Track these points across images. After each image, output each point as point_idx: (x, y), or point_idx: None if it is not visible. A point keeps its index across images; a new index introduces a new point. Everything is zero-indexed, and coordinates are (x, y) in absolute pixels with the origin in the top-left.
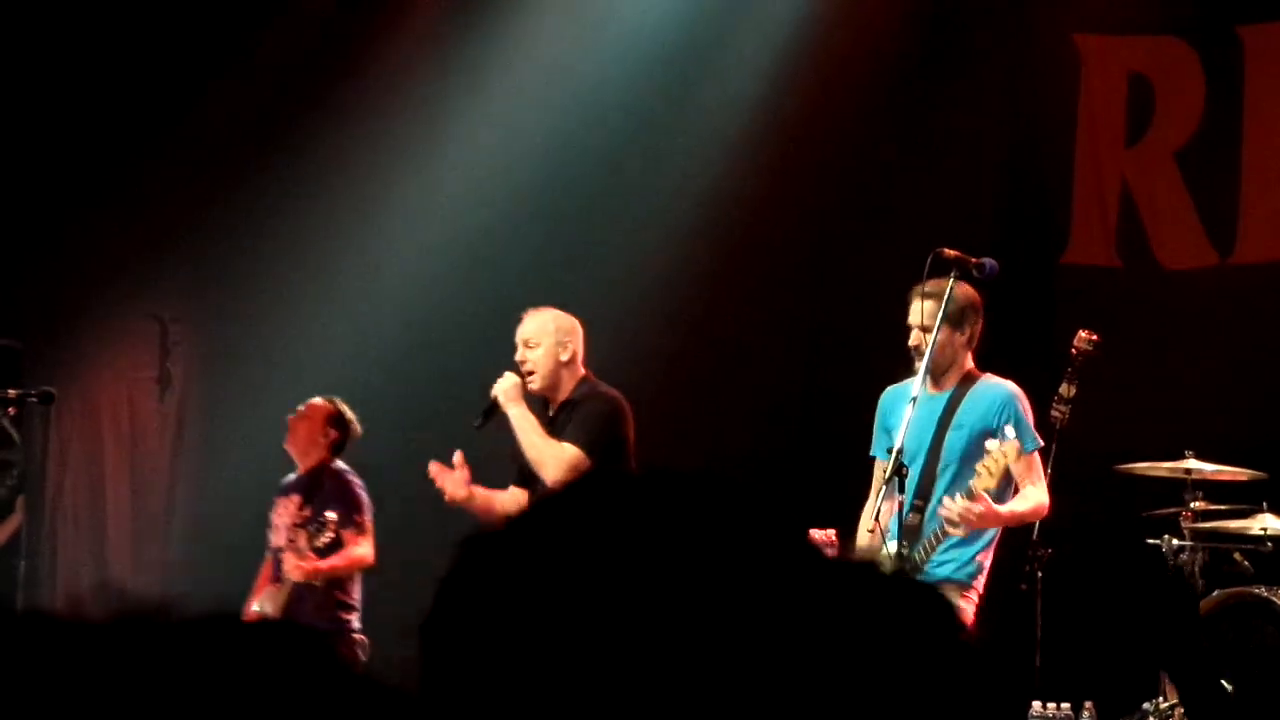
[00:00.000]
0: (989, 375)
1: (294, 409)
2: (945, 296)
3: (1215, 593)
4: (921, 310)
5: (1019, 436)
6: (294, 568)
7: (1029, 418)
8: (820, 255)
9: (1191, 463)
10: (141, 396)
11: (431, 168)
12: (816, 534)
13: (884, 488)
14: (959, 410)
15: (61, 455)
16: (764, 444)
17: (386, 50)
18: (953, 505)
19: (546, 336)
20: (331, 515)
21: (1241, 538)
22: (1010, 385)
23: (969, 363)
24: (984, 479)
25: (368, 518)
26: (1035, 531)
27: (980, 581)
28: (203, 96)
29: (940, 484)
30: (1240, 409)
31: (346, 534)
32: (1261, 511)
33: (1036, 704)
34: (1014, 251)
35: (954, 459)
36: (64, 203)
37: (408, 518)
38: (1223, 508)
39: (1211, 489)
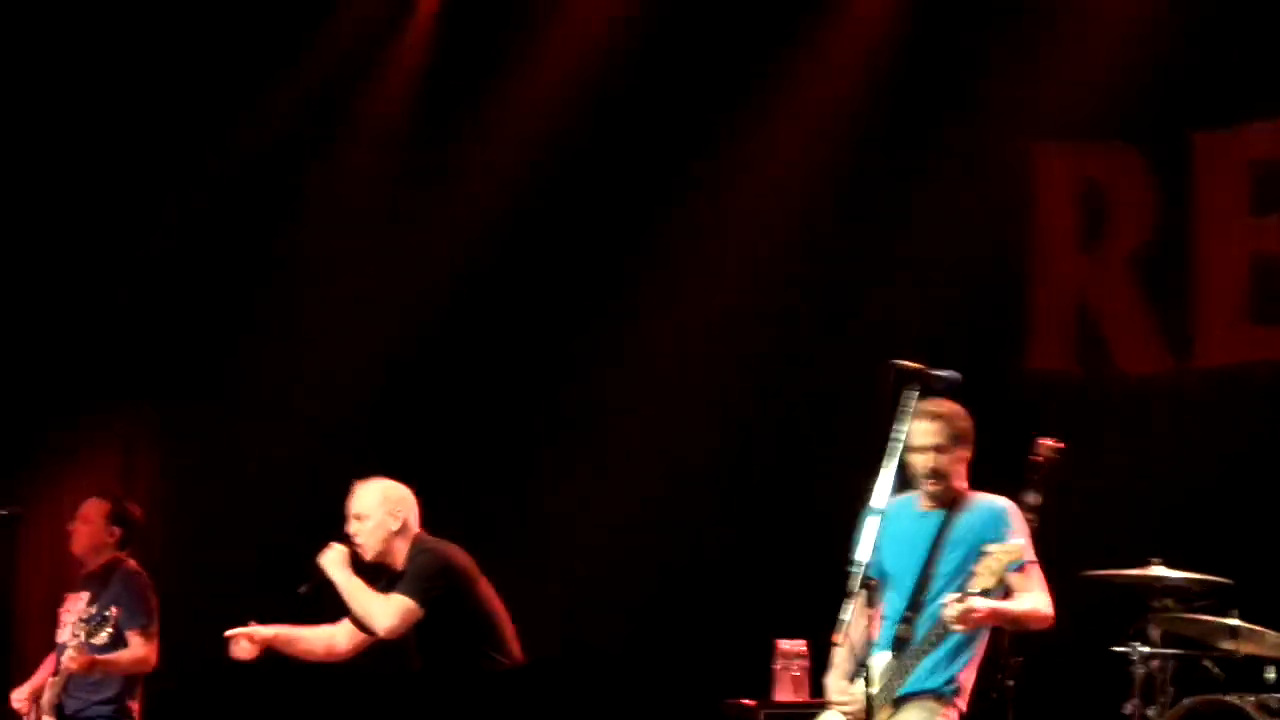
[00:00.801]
0: (980, 493)
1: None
2: (949, 416)
3: (1185, 700)
4: (934, 431)
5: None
6: (70, 659)
7: (1025, 532)
8: (777, 363)
9: (1158, 569)
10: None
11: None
12: (786, 644)
13: (851, 602)
14: (954, 529)
15: (31, 572)
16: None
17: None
18: (954, 605)
19: (376, 510)
20: (112, 612)
21: (1210, 645)
22: (1005, 501)
23: (963, 482)
24: (982, 579)
25: (154, 622)
26: (1006, 639)
27: (962, 700)
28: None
29: (931, 598)
30: (1204, 512)
31: (130, 634)
32: (1231, 617)
33: None
34: (972, 360)
35: (948, 575)
36: (36, 331)
37: None
38: (1191, 616)
39: (1179, 594)
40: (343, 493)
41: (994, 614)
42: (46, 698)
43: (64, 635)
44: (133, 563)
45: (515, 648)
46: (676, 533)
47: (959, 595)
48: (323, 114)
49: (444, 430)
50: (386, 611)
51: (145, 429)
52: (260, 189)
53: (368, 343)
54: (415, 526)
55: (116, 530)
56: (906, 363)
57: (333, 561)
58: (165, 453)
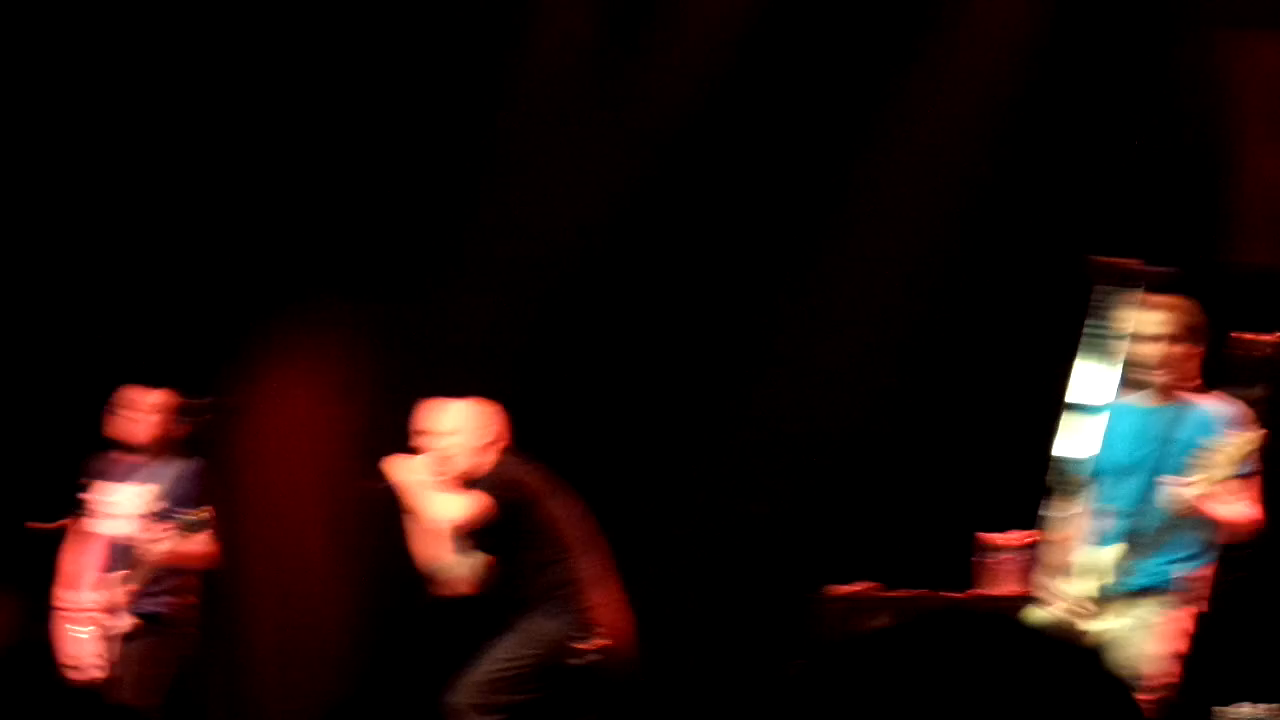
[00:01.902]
0: (1209, 392)
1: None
2: (1183, 308)
3: None
4: (1169, 321)
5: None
6: (162, 552)
7: (1257, 438)
8: (984, 254)
9: None
10: (328, 404)
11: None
12: (997, 537)
13: (1071, 500)
14: (1181, 425)
15: (252, 464)
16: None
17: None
18: (1179, 489)
19: (466, 424)
20: (208, 513)
21: None
22: (1234, 403)
23: (1195, 379)
24: (1216, 469)
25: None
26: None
27: (1199, 599)
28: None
29: (1158, 496)
30: None
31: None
32: None
33: (1246, 705)
34: (1173, 254)
35: (1178, 470)
36: (257, 220)
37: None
38: None
39: None
40: (543, 387)
41: (1206, 507)
42: (123, 595)
43: (125, 529)
44: (199, 458)
45: (599, 564)
46: (884, 426)
47: (1185, 481)
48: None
49: (635, 339)
50: (460, 501)
51: (361, 322)
52: (462, 91)
53: (566, 243)
54: (504, 441)
55: (185, 426)
56: (1122, 260)
57: (409, 466)
58: (388, 340)
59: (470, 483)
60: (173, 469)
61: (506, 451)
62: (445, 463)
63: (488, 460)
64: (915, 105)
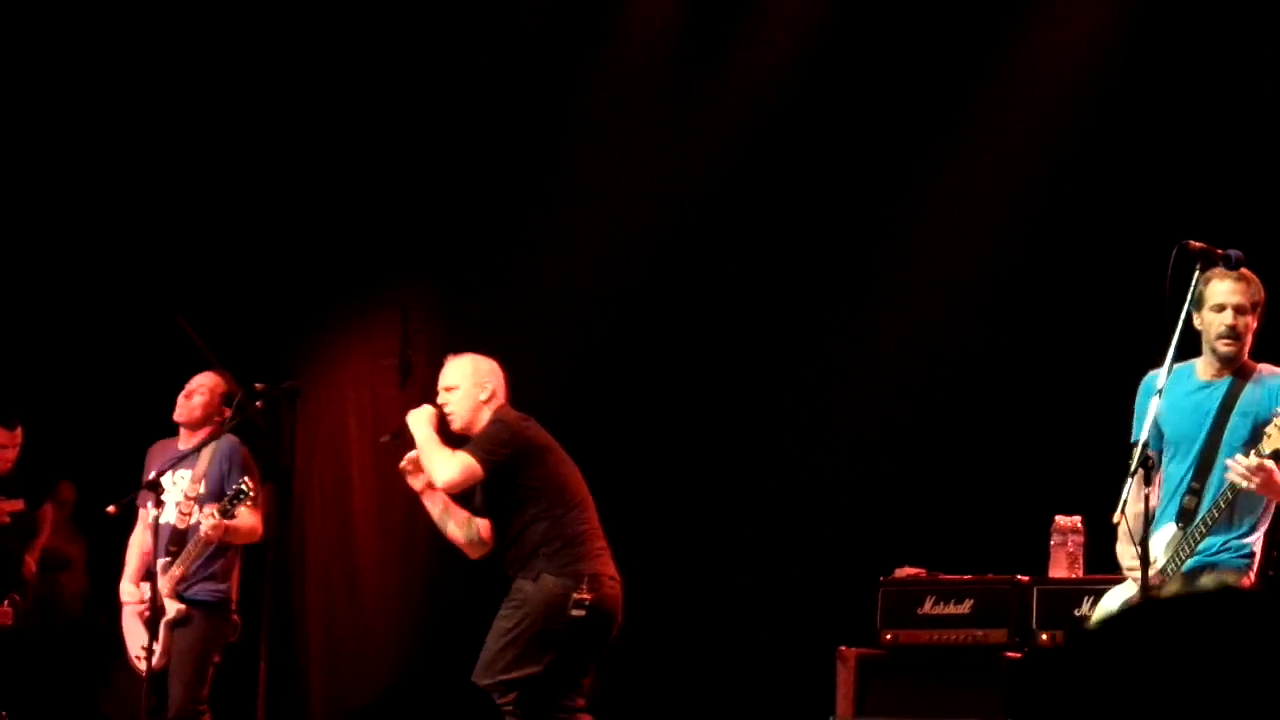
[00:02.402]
0: (1267, 365)
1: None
2: (1255, 281)
3: None
4: (1241, 291)
5: None
6: (212, 529)
7: None
8: (1056, 235)
9: None
10: (384, 384)
11: (661, 160)
12: (1062, 519)
13: (1130, 478)
14: (1242, 398)
15: (309, 446)
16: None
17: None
18: (1241, 461)
19: (464, 380)
20: (247, 483)
21: None
22: None
23: (1247, 353)
24: (1275, 439)
25: (260, 494)
26: None
27: (1254, 566)
28: (434, 99)
29: (1219, 469)
30: None
31: (241, 506)
32: None
33: None
34: (1256, 238)
35: (1236, 445)
36: (314, 199)
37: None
38: None
39: None
40: (610, 373)
41: (1275, 483)
42: (170, 581)
43: (169, 516)
44: (231, 436)
45: (593, 519)
46: (952, 409)
47: (1253, 453)
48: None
49: (701, 325)
50: (448, 466)
51: (424, 303)
52: (539, 71)
53: (637, 231)
54: (502, 397)
55: (226, 410)
56: (1193, 242)
57: (418, 418)
58: (443, 327)
59: (461, 440)
60: (212, 451)
61: (502, 408)
62: (447, 418)
63: (484, 417)
64: (996, 95)
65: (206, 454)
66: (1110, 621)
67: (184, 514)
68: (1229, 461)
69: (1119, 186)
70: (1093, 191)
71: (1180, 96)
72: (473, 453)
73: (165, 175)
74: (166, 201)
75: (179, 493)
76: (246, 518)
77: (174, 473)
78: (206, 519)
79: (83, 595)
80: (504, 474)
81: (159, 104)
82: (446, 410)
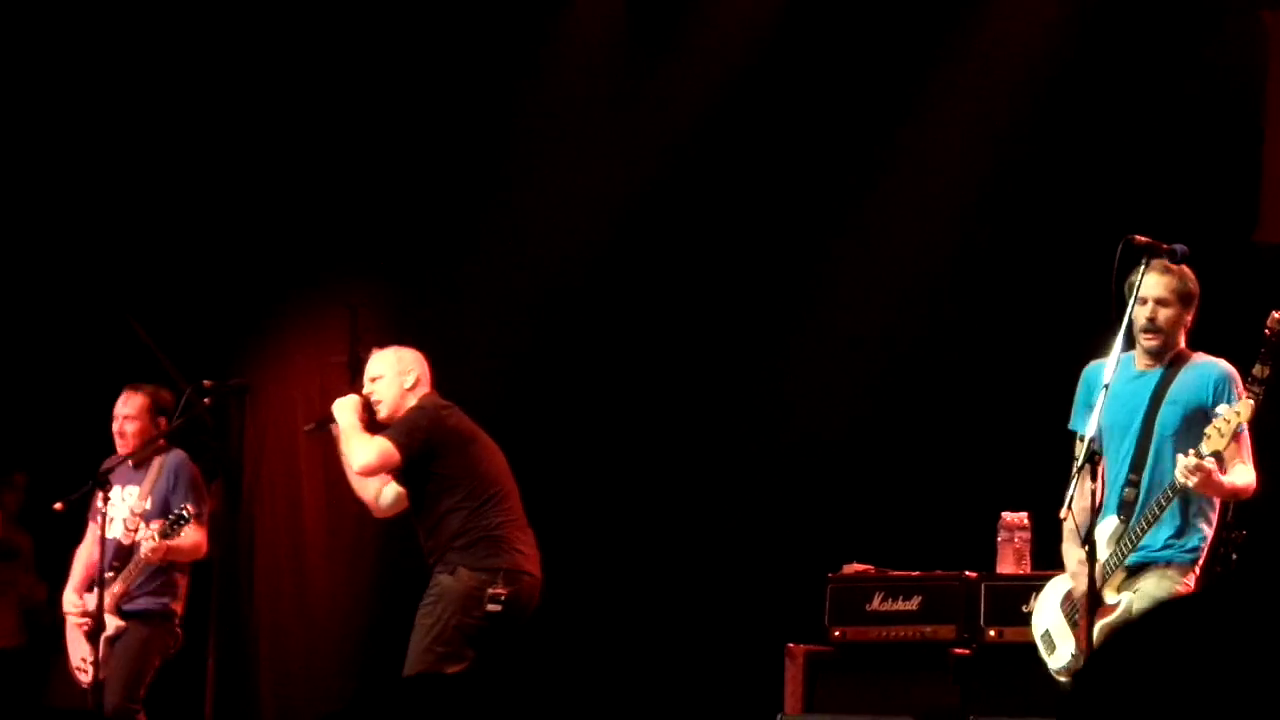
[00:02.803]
0: (1200, 353)
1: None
2: (1181, 274)
3: None
4: (1163, 285)
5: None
6: (151, 550)
7: (1245, 395)
8: (1001, 237)
9: None
10: (334, 382)
11: (609, 157)
12: (1009, 516)
13: (1076, 474)
14: (1173, 386)
15: (259, 442)
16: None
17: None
18: (1187, 460)
19: (389, 369)
20: (188, 509)
21: None
22: (1224, 363)
23: (1183, 343)
24: (1214, 440)
25: (206, 510)
26: (1230, 513)
27: (1198, 563)
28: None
29: (1153, 459)
30: None
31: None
32: None
33: None
34: (1201, 233)
35: (1168, 434)
36: (262, 198)
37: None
38: None
39: None
40: (559, 372)
41: (1215, 483)
42: (110, 597)
43: (116, 531)
44: (179, 451)
45: (515, 510)
46: (898, 406)
47: (1193, 453)
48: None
49: (649, 324)
50: (366, 450)
51: (373, 301)
52: (486, 73)
53: (586, 229)
54: (426, 386)
55: (162, 420)
56: (1139, 237)
57: (342, 406)
58: (392, 325)
59: (381, 428)
60: (159, 466)
61: (426, 396)
62: (372, 406)
63: (408, 404)
64: (946, 82)
65: (154, 469)
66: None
67: (130, 530)
68: (1179, 461)
69: (1065, 182)
70: (1039, 188)
71: (1129, 90)
72: (391, 438)
73: (116, 172)
74: (117, 198)
75: (125, 509)
76: (190, 535)
77: (123, 488)
78: (147, 540)
79: (32, 587)
80: (421, 461)
81: (109, 103)
82: (373, 400)
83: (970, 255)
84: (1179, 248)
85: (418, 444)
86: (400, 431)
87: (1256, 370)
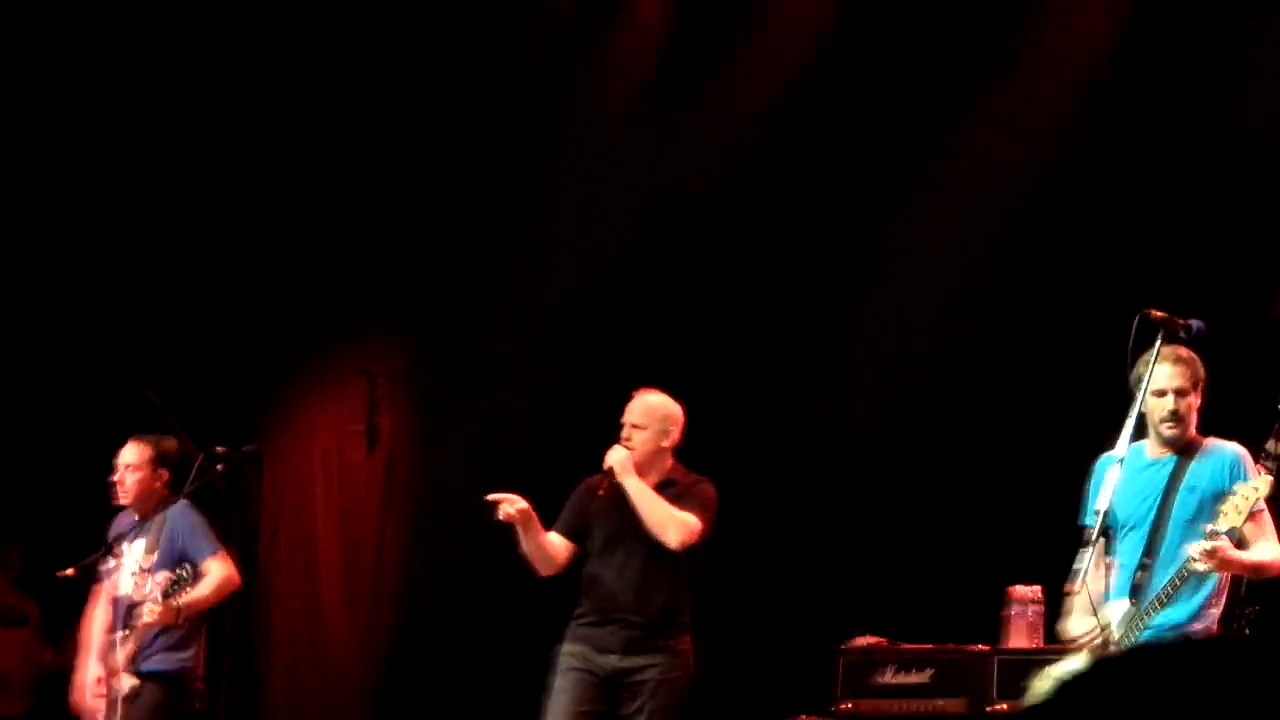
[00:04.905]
0: (1212, 439)
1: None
2: (1192, 361)
3: None
4: (1181, 375)
5: None
6: (151, 614)
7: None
8: (1019, 308)
9: None
10: (351, 450)
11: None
12: (1020, 589)
13: (1090, 550)
14: (1189, 473)
15: (275, 510)
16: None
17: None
18: (1196, 544)
19: (654, 422)
20: (188, 571)
21: None
22: (1238, 447)
23: (1194, 427)
24: (1230, 517)
25: (220, 544)
26: (1242, 588)
27: (1208, 632)
28: (408, 164)
29: (1168, 544)
30: None
31: (204, 564)
32: None
33: None
34: (1220, 308)
35: (1185, 521)
36: (279, 264)
37: None
38: None
39: None
40: (560, 439)
41: (1235, 560)
42: (123, 658)
43: (125, 588)
44: (181, 501)
45: None
46: (912, 477)
47: (1209, 532)
48: (575, 51)
49: (679, 369)
50: (684, 527)
51: (391, 362)
52: (511, 121)
53: (610, 279)
54: (677, 442)
55: (164, 473)
56: (1155, 311)
57: (623, 465)
58: (409, 392)
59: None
60: (162, 519)
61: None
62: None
63: (660, 462)
64: (963, 157)
65: (157, 522)
66: (1067, 686)
67: (139, 585)
68: (1189, 546)
69: (1082, 254)
70: (1056, 259)
71: (1149, 162)
72: (699, 515)
73: (131, 237)
74: (132, 265)
75: (134, 563)
76: (213, 576)
77: (130, 544)
78: (149, 604)
79: (40, 652)
80: (708, 535)
81: (130, 167)
82: (628, 446)
83: (984, 328)
84: (1195, 323)
85: (712, 521)
86: (707, 507)
87: (1270, 445)
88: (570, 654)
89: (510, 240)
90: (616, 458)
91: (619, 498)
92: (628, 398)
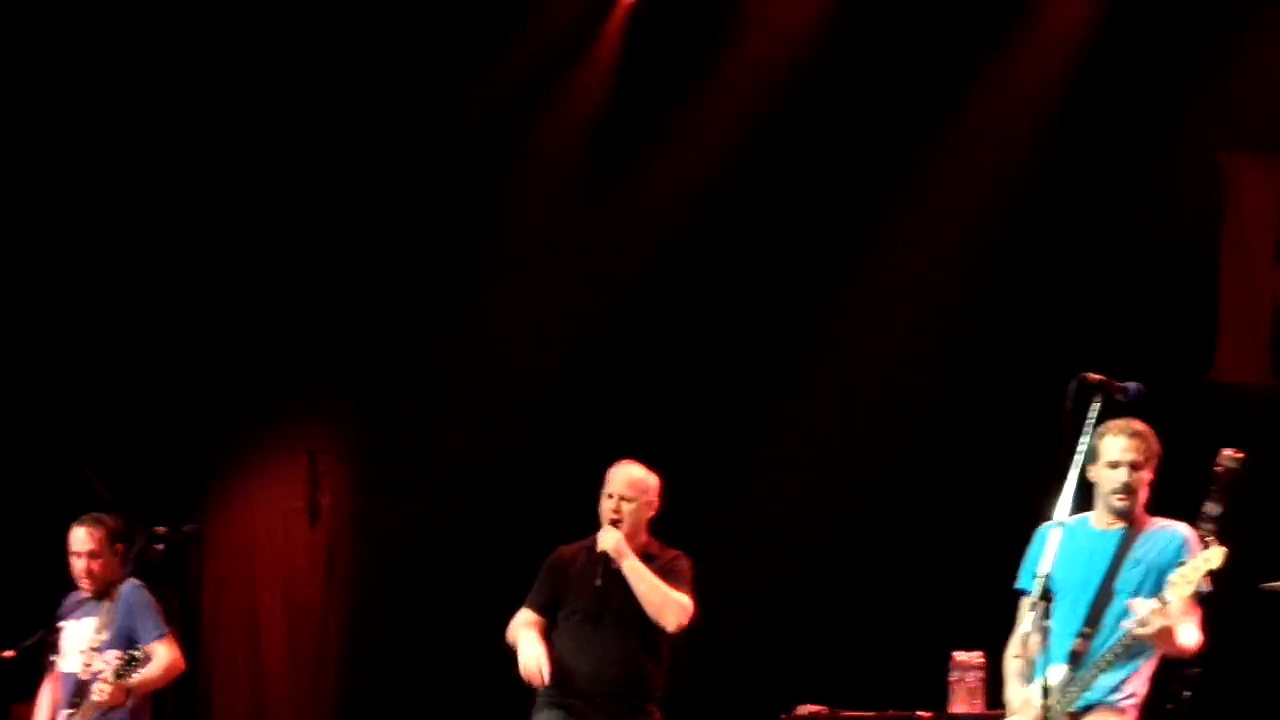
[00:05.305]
0: (1160, 518)
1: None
2: (1147, 435)
3: None
4: (1135, 448)
5: None
6: (102, 694)
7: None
8: (961, 375)
9: None
10: (294, 527)
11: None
12: (961, 655)
13: (1029, 614)
14: (1136, 546)
15: (216, 587)
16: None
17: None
18: (1142, 605)
19: (642, 494)
20: (141, 652)
21: None
22: (1186, 527)
23: (1143, 504)
24: (1179, 587)
25: (168, 627)
26: None
27: (1135, 706)
28: (352, 243)
29: (1111, 615)
30: None
31: (150, 646)
32: None
33: None
34: (1157, 371)
35: (1128, 593)
36: (221, 343)
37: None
38: None
39: None
40: (528, 493)
41: (1169, 633)
42: None
43: (71, 664)
44: (132, 579)
45: None
46: (851, 544)
47: (1156, 599)
48: (514, 119)
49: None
50: (683, 610)
51: (331, 440)
52: (449, 191)
53: (559, 344)
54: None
55: (119, 547)
56: (1092, 374)
57: (619, 548)
58: (350, 470)
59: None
60: (111, 599)
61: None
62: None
63: (640, 536)
64: (911, 220)
65: (109, 601)
66: None
67: (86, 664)
68: (1132, 606)
69: (1020, 319)
70: (993, 323)
71: (1086, 228)
72: (690, 595)
73: (70, 314)
74: (71, 341)
75: (83, 641)
76: (159, 660)
77: (77, 621)
78: (101, 683)
79: None
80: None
81: (60, 247)
82: (612, 519)
83: (920, 396)
84: (1132, 386)
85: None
86: (689, 585)
87: (1208, 508)
88: None
89: (450, 317)
90: (611, 541)
91: (609, 575)
92: (574, 468)
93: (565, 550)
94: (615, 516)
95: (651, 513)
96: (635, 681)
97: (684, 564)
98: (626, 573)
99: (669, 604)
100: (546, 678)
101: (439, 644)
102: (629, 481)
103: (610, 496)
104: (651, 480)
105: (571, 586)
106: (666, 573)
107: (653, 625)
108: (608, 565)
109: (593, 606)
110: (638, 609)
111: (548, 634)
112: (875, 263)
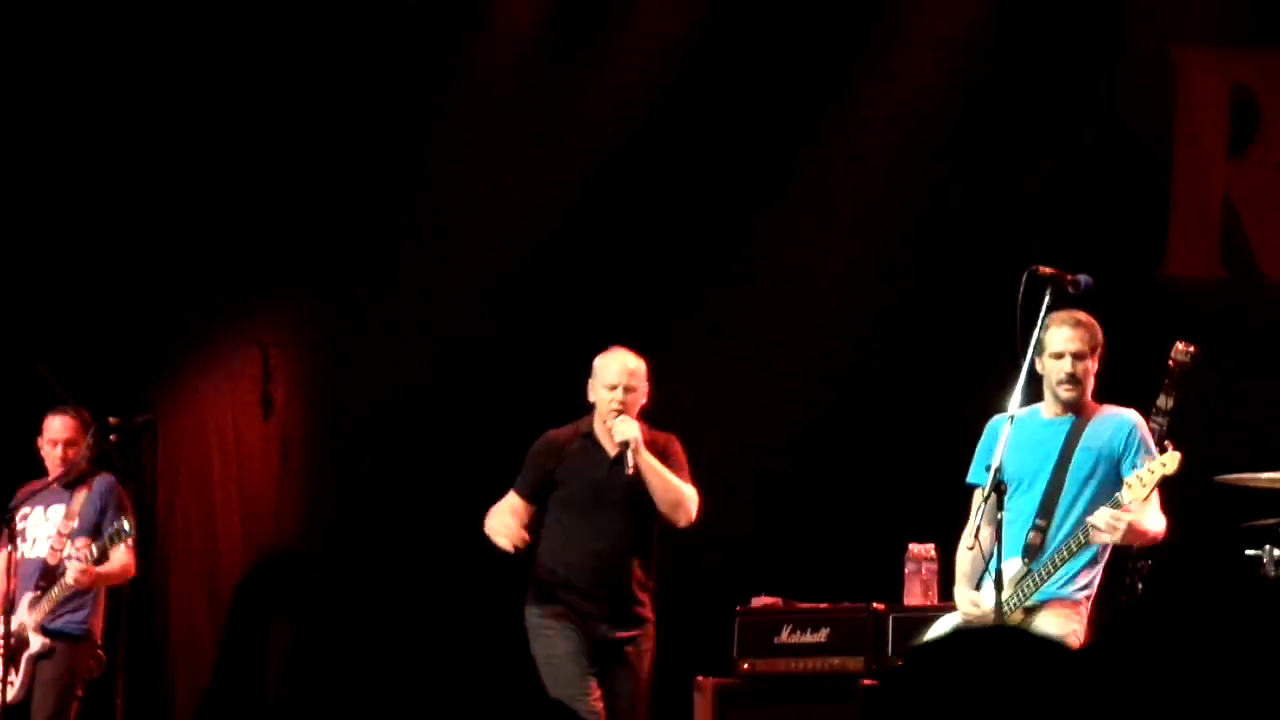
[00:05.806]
0: (1108, 405)
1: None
2: (1090, 325)
3: None
4: (1079, 338)
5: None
6: (80, 573)
7: (1151, 444)
8: (911, 267)
9: None
10: (246, 419)
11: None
12: (916, 547)
13: (982, 507)
14: (1085, 434)
15: (171, 480)
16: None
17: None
18: (1102, 513)
19: (641, 383)
20: (126, 524)
21: None
22: (1133, 413)
23: (1091, 391)
24: (1135, 490)
25: (135, 532)
26: (1134, 545)
27: (1089, 598)
28: (301, 134)
29: (1064, 504)
30: None
31: (117, 545)
32: None
33: None
34: (1109, 265)
35: (1079, 481)
36: (172, 234)
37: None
38: None
39: None
40: (483, 386)
41: (1135, 530)
42: (35, 617)
43: (39, 551)
44: (108, 474)
45: None
46: (806, 438)
47: (1116, 502)
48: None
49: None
50: (692, 504)
51: (284, 332)
52: (399, 77)
53: (502, 247)
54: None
55: (95, 447)
56: (1043, 268)
57: (639, 441)
58: (302, 362)
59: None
60: (85, 490)
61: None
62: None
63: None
64: (854, 120)
65: (83, 491)
66: (926, 646)
67: (55, 550)
68: (1090, 520)
69: (974, 214)
70: (947, 220)
71: (1038, 121)
72: (692, 482)
73: (18, 203)
74: (18, 233)
75: (51, 528)
76: (121, 557)
77: (45, 509)
78: (74, 563)
79: None
80: None
81: (8, 136)
82: (616, 407)
83: (874, 288)
84: (1083, 279)
85: None
86: (688, 473)
87: (1161, 401)
88: (555, 616)
89: (400, 206)
90: (634, 431)
91: (615, 465)
92: (529, 356)
93: (557, 434)
94: (620, 408)
95: (645, 399)
96: (637, 571)
97: (678, 446)
98: (642, 467)
99: (683, 501)
100: (520, 543)
101: (395, 536)
102: (629, 371)
103: (614, 388)
104: (644, 367)
105: (569, 470)
106: (665, 457)
107: (649, 516)
108: (618, 456)
109: (597, 494)
110: (639, 500)
111: (535, 521)
112: (824, 159)
